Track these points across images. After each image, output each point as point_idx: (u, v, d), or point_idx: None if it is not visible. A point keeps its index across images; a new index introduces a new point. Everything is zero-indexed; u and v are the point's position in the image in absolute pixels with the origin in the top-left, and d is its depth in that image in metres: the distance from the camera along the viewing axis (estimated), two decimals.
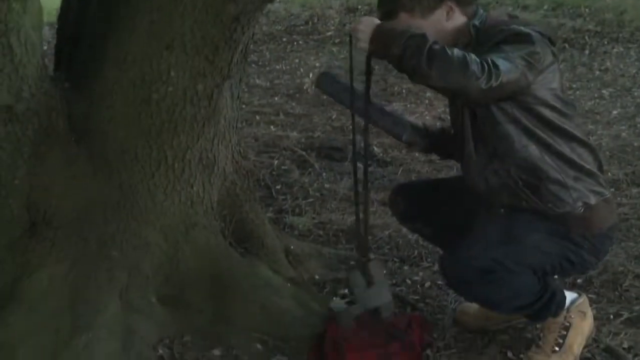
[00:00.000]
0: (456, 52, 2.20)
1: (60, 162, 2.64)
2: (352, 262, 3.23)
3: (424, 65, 2.19)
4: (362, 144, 2.60)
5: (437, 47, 2.20)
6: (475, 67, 2.18)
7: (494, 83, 2.19)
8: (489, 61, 2.21)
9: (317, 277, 3.22)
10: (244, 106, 5.40)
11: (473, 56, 2.21)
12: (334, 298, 2.94)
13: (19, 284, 2.57)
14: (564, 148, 2.42)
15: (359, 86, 2.59)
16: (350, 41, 2.43)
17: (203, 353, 2.67)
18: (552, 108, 2.40)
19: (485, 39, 2.40)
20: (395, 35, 2.26)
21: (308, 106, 6.13)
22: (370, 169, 4.51)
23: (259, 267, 2.97)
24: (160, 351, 2.64)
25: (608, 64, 7.48)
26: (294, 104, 6.22)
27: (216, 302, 2.79)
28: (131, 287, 2.69)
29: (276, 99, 6.40)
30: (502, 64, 2.23)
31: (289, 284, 2.97)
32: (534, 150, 2.40)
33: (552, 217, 2.42)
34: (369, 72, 2.50)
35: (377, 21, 2.36)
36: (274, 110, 5.99)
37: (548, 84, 2.37)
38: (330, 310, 2.66)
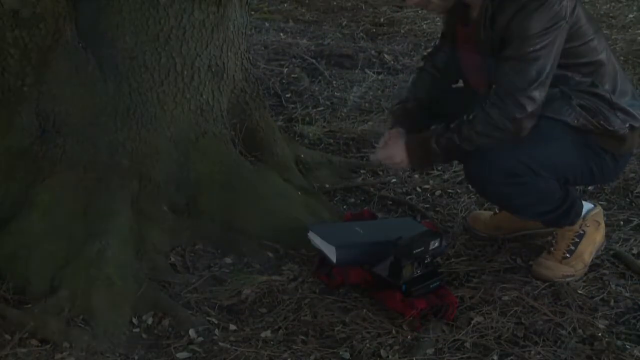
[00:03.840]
0: (477, 117, 2.33)
1: (68, 68, 2.61)
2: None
3: (468, 148, 2.38)
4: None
5: (464, 130, 2.35)
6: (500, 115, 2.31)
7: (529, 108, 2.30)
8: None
9: (327, 185, 3.23)
10: (252, 12, 5.31)
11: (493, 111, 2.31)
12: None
13: (31, 190, 2.59)
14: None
15: None
16: None
17: (214, 261, 2.70)
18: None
19: None
20: (425, 145, 2.43)
21: (318, 13, 6.02)
22: (381, 77, 4.47)
23: (269, 175, 2.97)
24: (172, 259, 2.67)
25: None
26: (303, 10, 6.12)
27: (227, 210, 2.80)
28: (142, 195, 2.71)
29: (285, 5, 6.29)
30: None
31: (299, 193, 2.98)
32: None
33: (585, 131, 2.41)
34: None
35: (400, 143, 2.49)
36: (284, 17, 5.90)
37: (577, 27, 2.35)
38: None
